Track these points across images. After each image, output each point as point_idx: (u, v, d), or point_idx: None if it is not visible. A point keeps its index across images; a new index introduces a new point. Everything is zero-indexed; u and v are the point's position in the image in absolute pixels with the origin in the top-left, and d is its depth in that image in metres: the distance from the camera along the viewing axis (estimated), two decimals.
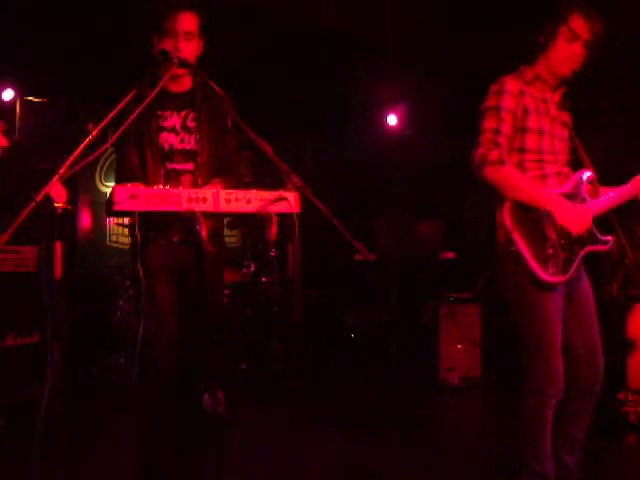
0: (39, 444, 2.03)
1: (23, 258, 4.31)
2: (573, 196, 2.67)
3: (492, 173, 2.55)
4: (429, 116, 6.70)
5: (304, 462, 2.26)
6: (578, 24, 2.62)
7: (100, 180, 6.89)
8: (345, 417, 4.46)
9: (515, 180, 2.59)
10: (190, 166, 2.70)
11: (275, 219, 2.16)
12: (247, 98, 2.87)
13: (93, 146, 2.10)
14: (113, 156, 6.69)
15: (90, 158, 2.06)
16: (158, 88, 2.33)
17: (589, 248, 2.66)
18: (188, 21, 2.66)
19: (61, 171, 1.99)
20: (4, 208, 3.44)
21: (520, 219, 2.58)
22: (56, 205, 1.98)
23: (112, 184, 6.31)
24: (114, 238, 6.91)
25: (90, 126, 2.16)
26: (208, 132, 2.73)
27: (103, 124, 2.15)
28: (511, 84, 2.64)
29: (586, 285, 2.76)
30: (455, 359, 5.71)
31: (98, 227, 6.86)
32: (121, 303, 5.46)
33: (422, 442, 3.92)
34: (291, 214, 2.19)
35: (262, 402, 4.74)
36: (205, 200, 2.13)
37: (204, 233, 2.11)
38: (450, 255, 6.38)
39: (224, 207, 2.16)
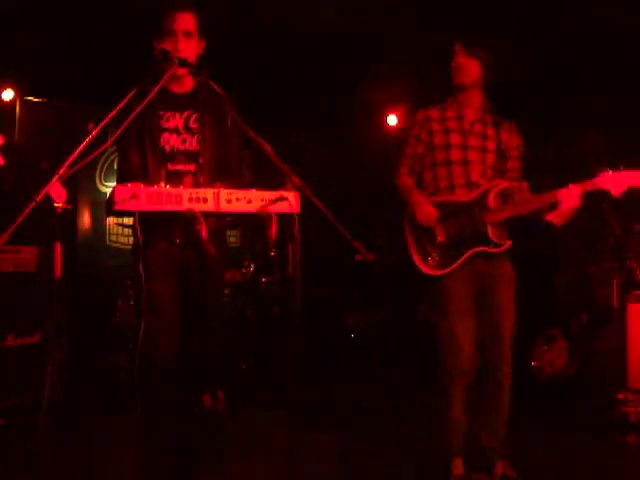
0: (40, 443, 2.03)
1: (23, 258, 4.31)
2: (473, 205, 3.07)
3: (396, 184, 3.29)
4: None
5: (304, 462, 2.26)
6: (455, 47, 3.16)
7: (100, 180, 6.88)
8: (345, 417, 4.46)
9: (404, 189, 3.25)
10: (192, 167, 2.70)
11: (275, 219, 2.16)
12: (246, 98, 2.87)
13: (93, 146, 2.10)
14: (113, 156, 6.76)
15: (90, 158, 2.06)
16: (159, 86, 2.33)
17: (477, 249, 3.03)
18: (186, 21, 2.66)
19: (61, 171, 1.99)
20: (4, 208, 3.44)
21: (412, 221, 3.19)
22: (56, 205, 1.97)
23: (112, 184, 6.33)
24: (114, 238, 6.90)
25: (90, 126, 2.16)
26: (211, 133, 2.72)
27: (103, 124, 2.15)
28: (419, 114, 3.26)
29: (501, 288, 3.09)
30: None
31: (98, 227, 6.84)
32: (121, 303, 5.46)
33: (421, 442, 3.92)
34: (291, 214, 2.19)
35: (262, 402, 4.74)
36: (206, 200, 2.13)
37: (204, 233, 2.11)
38: None
39: (225, 207, 2.16)
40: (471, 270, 3.05)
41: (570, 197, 2.85)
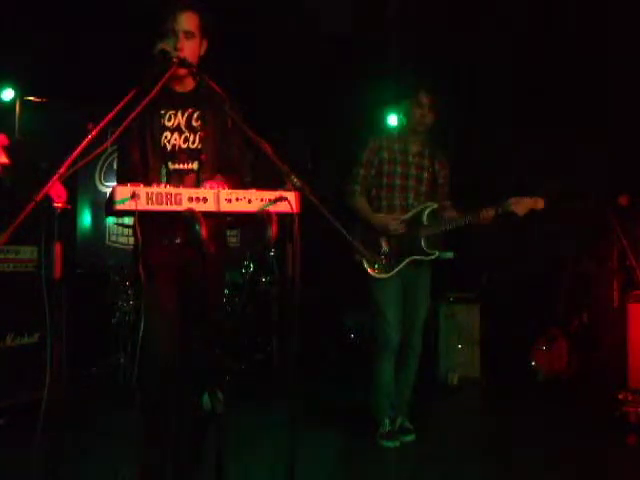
0: (39, 444, 2.03)
1: (23, 258, 4.31)
2: (410, 221, 3.83)
3: (347, 201, 3.91)
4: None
5: (304, 462, 2.26)
6: (422, 98, 3.83)
7: (100, 180, 6.89)
8: (345, 417, 4.46)
9: (359, 207, 3.88)
10: (194, 165, 2.69)
11: (275, 219, 2.16)
12: (247, 98, 2.86)
13: (93, 146, 2.09)
14: (113, 156, 6.76)
15: (90, 158, 2.06)
16: (159, 86, 2.32)
17: (413, 257, 3.80)
18: (188, 21, 2.65)
19: (61, 171, 1.98)
20: (4, 208, 3.44)
21: (362, 234, 3.82)
22: (56, 205, 1.97)
23: (112, 184, 6.33)
24: (113, 238, 6.91)
25: (90, 126, 2.15)
26: (213, 131, 2.72)
27: (103, 124, 2.14)
28: (373, 142, 3.90)
29: (421, 287, 3.94)
30: (455, 359, 5.71)
31: (98, 227, 6.85)
32: (121, 303, 5.46)
33: (421, 441, 3.92)
34: (291, 214, 2.18)
35: (262, 402, 4.74)
36: (206, 200, 2.13)
37: (204, 233, 2.10)
38: (450, 255, 6.38)
39: (225, 207, 2.16)
40: (403, 273, 3.83)
41: (485, 216, 3.65)
